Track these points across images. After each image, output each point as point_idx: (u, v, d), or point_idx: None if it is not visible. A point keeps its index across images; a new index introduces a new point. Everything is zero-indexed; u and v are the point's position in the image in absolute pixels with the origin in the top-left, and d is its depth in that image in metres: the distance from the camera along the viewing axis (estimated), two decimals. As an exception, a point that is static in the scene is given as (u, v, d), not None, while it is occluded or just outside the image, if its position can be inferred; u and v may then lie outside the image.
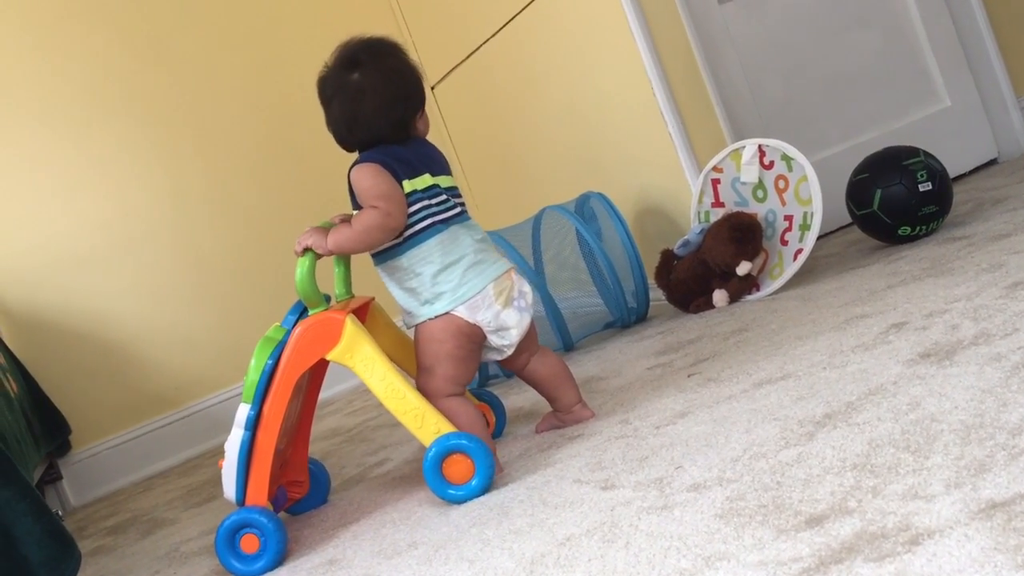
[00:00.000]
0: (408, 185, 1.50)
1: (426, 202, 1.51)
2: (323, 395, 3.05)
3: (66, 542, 1.51)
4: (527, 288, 1.56)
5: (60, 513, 2.67)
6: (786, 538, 0.90)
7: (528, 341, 1.59)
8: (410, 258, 1.51)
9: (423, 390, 1.51)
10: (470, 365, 1.54)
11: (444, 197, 1.54)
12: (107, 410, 2.98)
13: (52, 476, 2.85)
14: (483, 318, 1.50)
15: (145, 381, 3.03)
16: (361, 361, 1.42)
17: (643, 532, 1.04)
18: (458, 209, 1.55)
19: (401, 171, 1.51)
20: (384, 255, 1.54)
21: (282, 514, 1.69)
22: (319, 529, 1.55)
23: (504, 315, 1.52)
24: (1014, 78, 2.84)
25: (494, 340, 1.53)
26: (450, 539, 1.26)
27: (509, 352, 1.56)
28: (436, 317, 1.50)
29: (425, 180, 1.52)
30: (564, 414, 1.62)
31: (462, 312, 1.49)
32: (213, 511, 1.99)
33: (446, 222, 1.52)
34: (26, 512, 1.43)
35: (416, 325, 1.54)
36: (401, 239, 1.51)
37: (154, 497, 2.51)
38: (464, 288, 1.50)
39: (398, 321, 1.64)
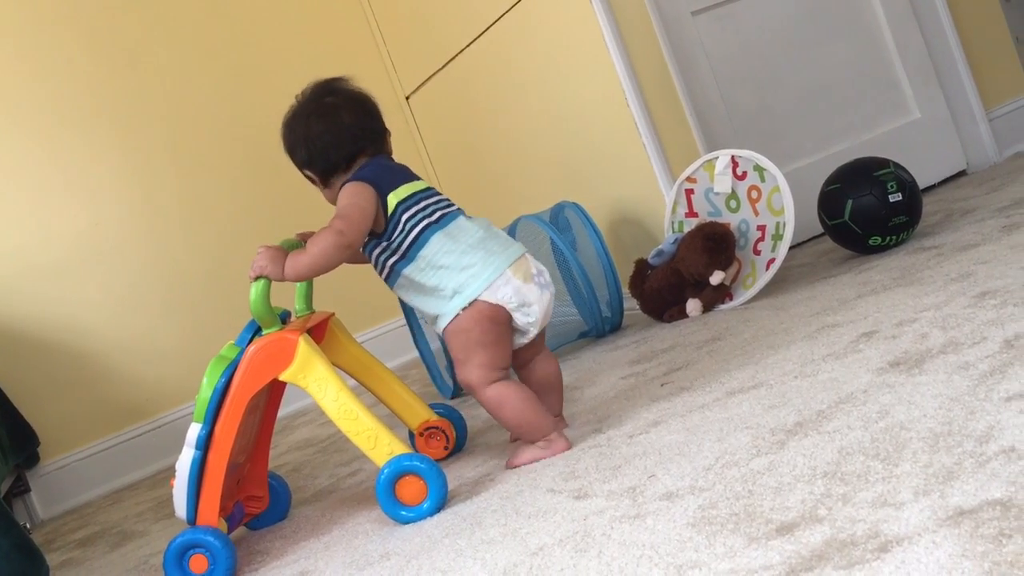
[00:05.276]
0: (404, 190, 1.52)
1: (425, 202, 1.52)
2: (296, 406, 3.04)
3: (34, 556, 1.49)
4: (543, 266, 1.55)
5: (28, 526, 2.64)
6: (757, 546, 0.90)
7: (539, 335, 1.56)
8: (424, 259, 1.49)
9: (464, 383, 1.50)
10: (503, 348, 1.51)
11: (440, 197, 1.56)
12: (76, 422, 2.95)
13: (20, 489, 2.81)
14: (503, 295, 1.48)
15: (115, 392, 3.00)
16: (314, 381, 1.42)
17: (615, 541, 1.04)
18: (455, 206, 1.56)
19: (390, 182, 1.52)
20: (394, 272, 1.53)
21: (241, 529, 1.68)
22: (291, 540, 1.53)
23: (525, 289, 1.49)
24: (982, 91, 2.88)
25: (519, 319, 1.50)
26: (423, 549, 1.25)
27: (535, 332, 1.53)
28: (466, 308, 1.48)
29: (420, 184, 1.55)
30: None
31: (485, 296, 1.48)
32: (183, 524, 1.97)
33: (449, 216, 1.53)
34: (-8, 525, 1.41)
35: (446, 327, 1.50)
36: (406, 247, 1.50)
37: (123, 509, 2.48)
38: (488, 271, 1.48)
39: (360, 337, 1.64)
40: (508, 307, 1.49)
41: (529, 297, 1.50)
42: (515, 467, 1.49)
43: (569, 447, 1.48)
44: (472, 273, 1.48)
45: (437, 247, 1.49)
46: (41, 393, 2.92)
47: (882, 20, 2.76)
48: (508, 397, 1.48)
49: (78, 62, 3.06)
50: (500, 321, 1.50)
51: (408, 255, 1.51)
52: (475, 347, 1.48)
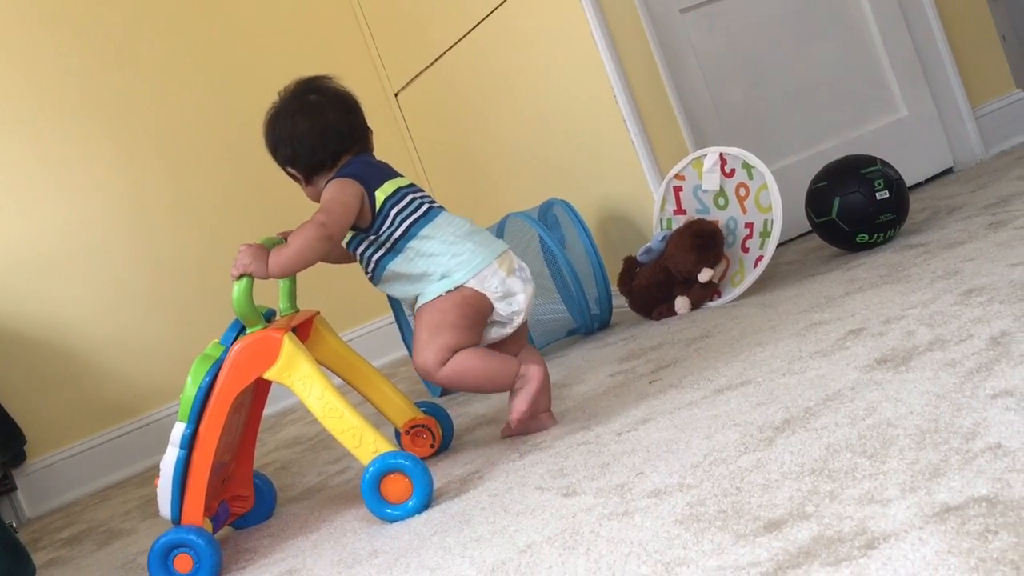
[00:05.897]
0: (390, 186, 1.54)
1: (411, 196, 1.55)
2: (284, 404, 3.04)
3: (20, 555, 1.49)
4: (524, 263, 1.58)
5: (14, 525, 2.62)
6: (745, 543, 0.91)
7: (521, 332, 1.59)
8: (412, 250, 1.52)
9: (420, 366, 1.52)
10: (472, 336, 1.53)
11: (424, 192, 1.59)
12: (63, 419, 2.93)
13: (6, 487, 2.80)
14: (490, 285, 1.51)
15: (102, 390, 2.99)
16: (299, 380, 1.41)
17: (604, 538, 1.04)
18: (437, 202, 1.60)
19: (376, 178, 1.54)
20: (380, 266, 1.54)
21: (230, 528, 1.67)
22: (279, 538, 1.53)
23: (509, 281, 1.53)
24: (969, 89, 2.89)
25: (502, 309, 1.53)
26: (411, 547, 1.25)
27: (518, 321, 1.55)
28: (450, 291, 1.50)
29: (403, 180, 1.58)
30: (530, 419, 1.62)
31: (472, 283, 1.50)
32: (169, 523, 1.96)
33: (434, 211, 1.56)
34: (-22, 525, 1.41)
35: (423, 304, 1.53)
36: (394, 239, 1.52)
37: (111, 508, 2.47)
38: (477, 259, 1.51)
39: (347, 335, 1.64)
40: (493, 297, 1.52)
41: (514, 288, 1.54)
42: (519, 420, 1.52)
43: (542, 368, 1.53)
44: (463, 260, 1.51)
45: (426, 238, 1.52)
46: (27, 391, 2.90)
47: (869, 18, 2.77)
48: (466, 365, 1.51)
49: (65, 56, 3.04)
50: (480, 310, 1.52)
51: (396, 248, 1.53)
52: (446, 328, 1.51)
